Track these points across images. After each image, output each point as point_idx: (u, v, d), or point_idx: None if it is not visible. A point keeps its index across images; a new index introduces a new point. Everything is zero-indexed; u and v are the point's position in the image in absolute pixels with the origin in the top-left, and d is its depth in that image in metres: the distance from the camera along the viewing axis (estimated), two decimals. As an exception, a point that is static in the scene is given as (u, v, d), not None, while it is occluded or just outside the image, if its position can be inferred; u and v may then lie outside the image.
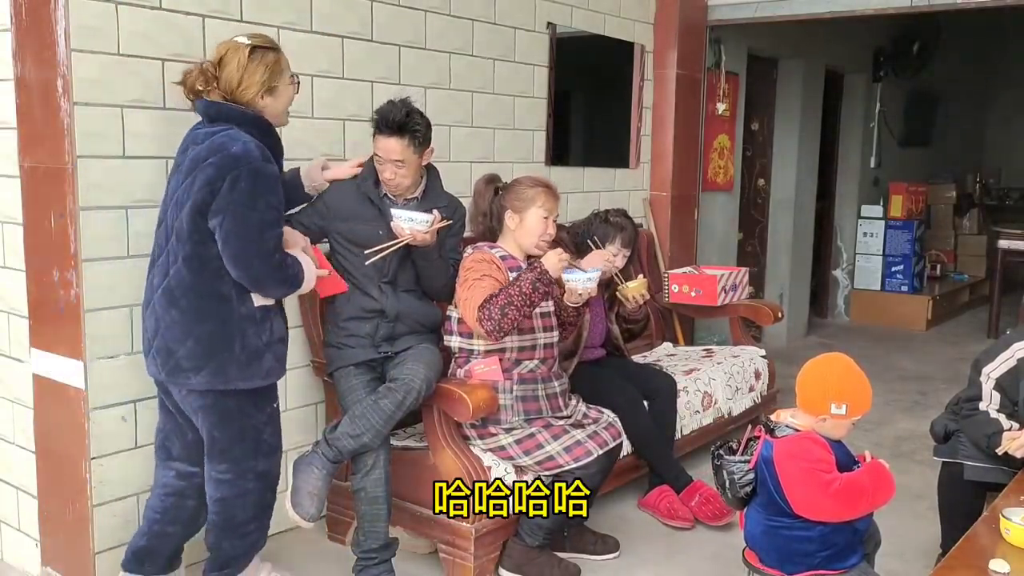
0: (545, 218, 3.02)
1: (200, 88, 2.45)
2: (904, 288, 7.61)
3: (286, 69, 2.52)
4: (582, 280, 2.92)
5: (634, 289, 3.44)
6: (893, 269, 7.62)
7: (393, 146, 2.88)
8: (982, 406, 2.87)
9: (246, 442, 2.54)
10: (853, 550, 2.36)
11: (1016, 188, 10.24)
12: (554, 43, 4.33)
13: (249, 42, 2.47)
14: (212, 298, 2.42)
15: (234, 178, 2.33)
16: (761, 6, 5.03)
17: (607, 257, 3.41)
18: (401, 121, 2.86)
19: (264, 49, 2.48)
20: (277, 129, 2.57)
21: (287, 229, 2.56)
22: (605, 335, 3.74)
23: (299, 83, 2.59)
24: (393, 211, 2.86)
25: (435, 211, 2.89)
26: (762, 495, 2.37)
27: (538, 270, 2.83)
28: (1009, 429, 2.79)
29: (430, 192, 3.06)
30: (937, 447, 3.00)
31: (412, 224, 2.82)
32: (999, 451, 2.73)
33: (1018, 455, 2.71)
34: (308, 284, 2.56)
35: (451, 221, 3.01)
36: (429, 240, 2.87)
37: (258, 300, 2.47)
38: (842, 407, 2.31)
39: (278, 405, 2.66)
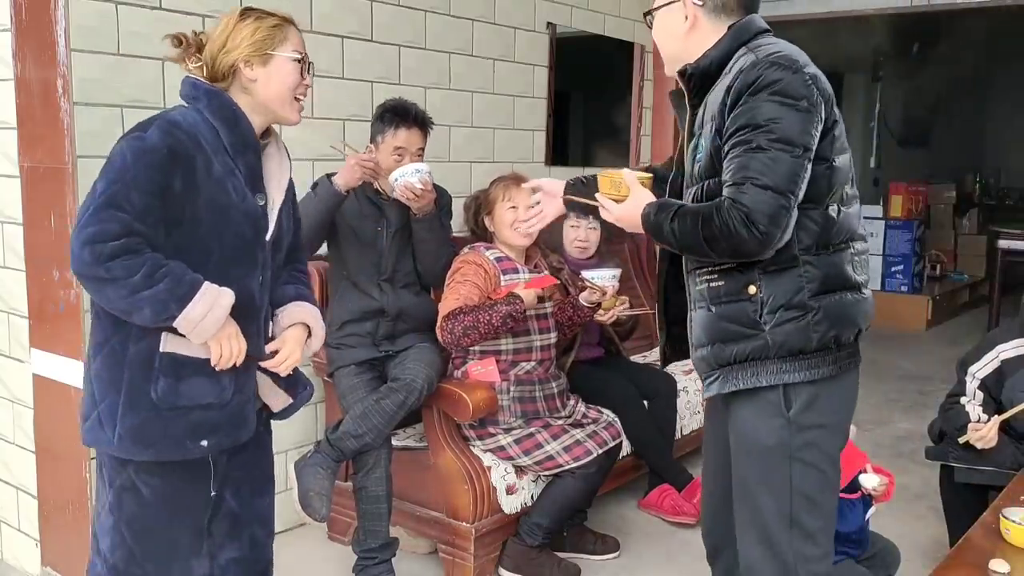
0: (513, 207, 3.03)
1: (185, 61, 1.98)
2: (904, 288, 7.61)
3: (291, 41, 1.96)
4: (608, 277, 3.03)
5: (608, 304, 3.31)
6: (893, 269, 7.63)
7: (416, 138, 2.99)
8: (963, 400, 2.94)
9: (104, 521, 1.95)
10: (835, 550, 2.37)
11: (1016, 188, 10.25)
12: (554, 43, 4.33)
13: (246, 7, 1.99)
14: (104, 325, 1.87)
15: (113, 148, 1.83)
16: (761, 6, 5.02)
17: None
18: (421, 114, 2.99)
19: (264, 14, 1.97)
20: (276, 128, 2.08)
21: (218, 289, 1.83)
22: (600, 331, 3.74)
23: (311, 67, 2.00)
24: (394, 173, 2.87)
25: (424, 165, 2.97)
26: None
27: (515, 305, 2.83)
28: (977, 420, 2.83)
29: None
30: (928, 449, 3.02)
31: (420, 174, 2.86)
32: (960, 440, 2.81)
33: (978, 446, 2.77)
34: (201, 324, 1.80)
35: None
36: (433, 195, 2.93)
37: (168, 343, 1.84)
38: None
39: (169, 512, 1.94)
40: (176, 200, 1.80)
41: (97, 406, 1.87)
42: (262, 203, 1.94)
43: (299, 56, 1.96)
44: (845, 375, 1.88)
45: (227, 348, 1.86)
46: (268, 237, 1.97)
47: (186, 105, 1.92)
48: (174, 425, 1.86)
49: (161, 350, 1.84)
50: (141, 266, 1.73)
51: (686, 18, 1.91)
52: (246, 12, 1.95)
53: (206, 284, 1.80)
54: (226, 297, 1.82)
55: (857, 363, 1.91)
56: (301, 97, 1.99)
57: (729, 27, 1.90)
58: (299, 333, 2.06)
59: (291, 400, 2.11)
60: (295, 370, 2.08)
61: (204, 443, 1.90)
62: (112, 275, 1.71)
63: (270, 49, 1.93)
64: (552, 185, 2.26)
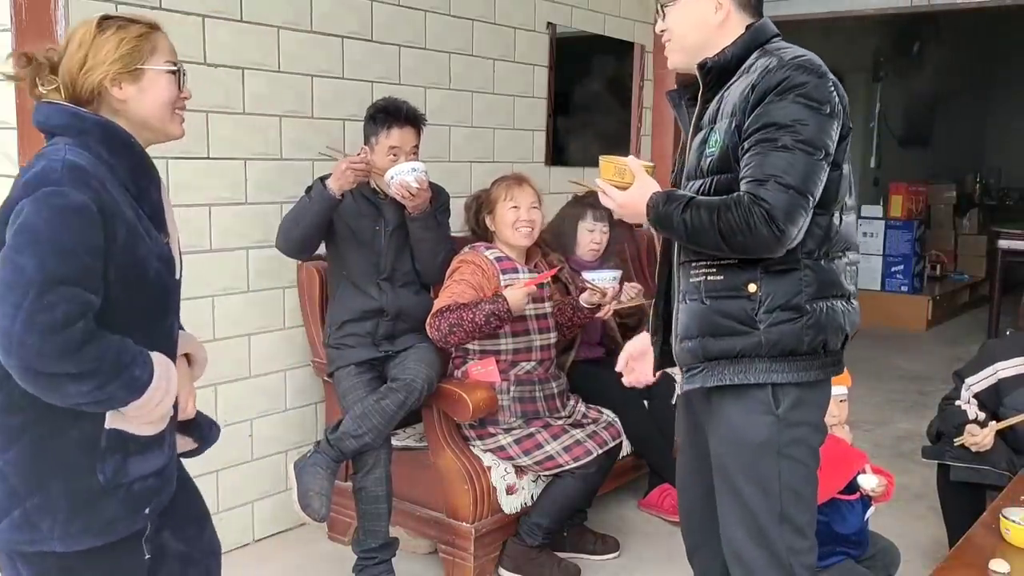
0: (515, 207, 3.03)
1: (37, 85, 1.65)
2: (904, 288, 7.61)
3: (162, 51, 1.68)
4: (608, 279, 3.04)
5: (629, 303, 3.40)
6: (893, 269, 7.62)
7: (410, 136, 2.99)
8: (958, 403, 2.97)
9: None
10: (831, 550, 2.36)
11: (1016, 188, 10.25)
12: (554, 43, 4.33)
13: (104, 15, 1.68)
14: (24, 409, 1.56)
15: (16, 214, 1.50)
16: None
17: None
18: (412, 112, 3.00)
19: (126, 21, 1.67)
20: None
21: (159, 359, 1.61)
22: (602, 330, 3.74)
23: (185, 74, 1.72)
24: (390, 171, 2.89)
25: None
26: None
27: (498, 304, 2.82)
28: (975, 420, 2.86)
29: None
30: (925, 448, 3.04)
31: (416, 173, 2.87)
32: (956, 441, 2.83)
33: (973, 450, 2.80)
34: (156, 402, 1.60)
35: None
36: (428, 195, 2.94)
37: (113, 419, 1.59)
38: None
39: None
40: (104, 259, 1.54)
41: (23, 503, 1.57)
42: (166, 241, 1.71)
43: (173, 67, 1.69)
44: (827, 380, 1.92)
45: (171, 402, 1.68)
46: (178, 276, 1.76)
47: (69, 140, 1.59)
48: (121, 503, 1.64)
49: (107, 427, 1.60)
50: (107, 350, 1.49)
51: (716, 9, 1.91)
52: (105, 21, 1.65)
53: (151, 353, 1.60)
54: (170, 364, 1.66)
55: (839, 371, 1.94)
56: (181, 110, 1.73)
57: (747, 27, 1.92)
58: (185, 368, 1.79)
59: (195, 445, 1.89)
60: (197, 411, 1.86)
61: (147, 511, 1.70)
62: (81, 368, 1.46)
63: (139, 63, 1.65)
64: (638, 346, 2.20)
